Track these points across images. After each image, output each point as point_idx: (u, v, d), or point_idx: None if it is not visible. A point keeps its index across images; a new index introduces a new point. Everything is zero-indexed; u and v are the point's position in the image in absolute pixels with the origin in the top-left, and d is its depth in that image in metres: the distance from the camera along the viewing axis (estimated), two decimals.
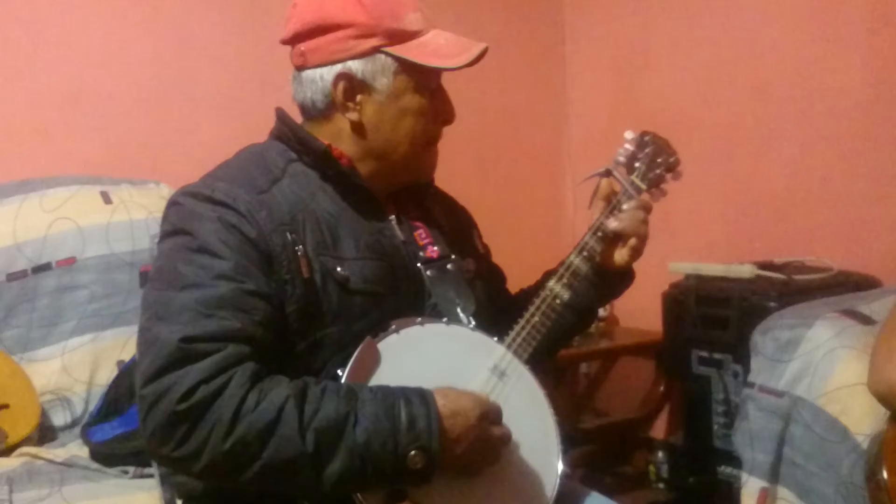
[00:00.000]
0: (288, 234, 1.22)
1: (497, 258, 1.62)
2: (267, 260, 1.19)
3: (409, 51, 1.28)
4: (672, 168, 1.50)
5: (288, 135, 1.34)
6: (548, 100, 3.52)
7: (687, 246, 2.97)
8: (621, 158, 1.49)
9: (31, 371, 2.04)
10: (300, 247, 1.22)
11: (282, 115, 1.37)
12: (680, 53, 3.09)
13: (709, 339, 2.50)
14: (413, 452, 1.10)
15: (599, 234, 1.41)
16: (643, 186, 1.47)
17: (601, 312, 3.18)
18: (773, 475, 1.87)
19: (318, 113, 1.34)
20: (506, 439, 1.22)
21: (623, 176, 1.47)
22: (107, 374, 2.10)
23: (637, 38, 3.25)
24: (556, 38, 3.52)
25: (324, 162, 1.31)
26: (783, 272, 2.50)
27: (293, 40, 1.32)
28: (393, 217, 1.37)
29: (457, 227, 1.50)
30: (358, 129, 1.32)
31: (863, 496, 1.50)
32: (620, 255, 1.43)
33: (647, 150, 1.49)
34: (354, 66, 1.28)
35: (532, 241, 3.17)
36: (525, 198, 3.41)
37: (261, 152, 1.34)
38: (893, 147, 2.49)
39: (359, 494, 1.13)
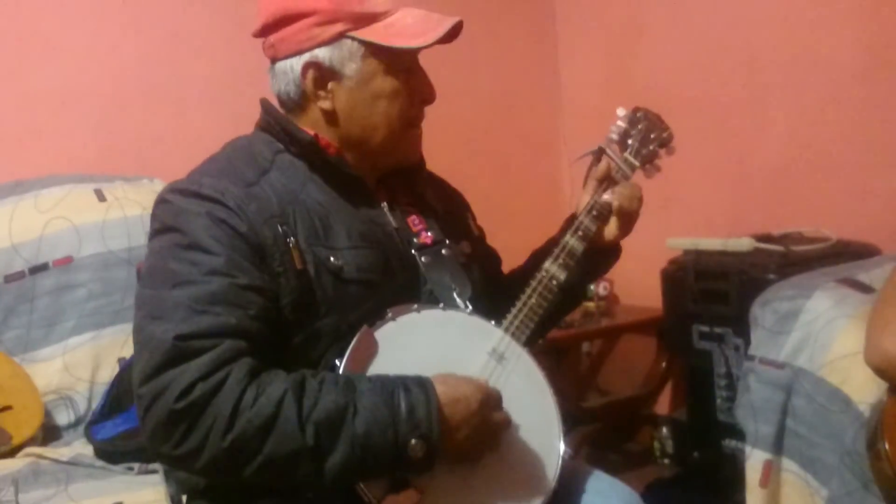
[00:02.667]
0: (279, 227, 1.21)
1: (494, 240, 1.61)
2: (259, 253, 1.19)
3: (374, 33, 1.26)
4: (665, 143, 1.50)
5: (274, 126, 1.33)
6: (541, 80, 3.50)
7: (684, 221, 2.97)
8: (614, 136, 1.48)
9: (32, 372, 2.04)
10: (292, 238, 1.21)
11: (267, 107, 1.36)
12: (672, 29, 3.08)
13: (709, 313, 2.50)
14: (413, 441, 1.10)
15: (594, 213, 1.41)
16: (636, 163, 1.47)
17: (601, 292, 3.19)
18: (777, 447, 1.87)
19: (293, 104, 1.33)
20: (506, 425, 1.22)
21: (616, 154, 1.47)
22: (108, 372, 2.10)
23: (628, 15, 3.24)
24: (547, 18, 3.50)
25: (311, 152, 1.30)
26: (781, 244, 2.50)
27: (263, 33, 1.32)
28: (385, 204, 1.36)
29: (450, 210, 1.49)
30: (332, 117, 1.30)
31: (865, 464, 1.51)
32: (610, 231, 1.43)
33: (639, 127, 1.49)
34: (321, 53, 1.27)
35: (529, 222, 3.14)
36: (521, 179, 3.40)
37: (247, 145, 1.33)
38: (888, 116, 2.49)
39: (362, 484, 1.13)
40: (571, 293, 1.49)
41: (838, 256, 2.34)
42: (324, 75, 1.28)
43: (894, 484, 1.36)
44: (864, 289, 1.85)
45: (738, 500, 2.01)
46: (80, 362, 2.10)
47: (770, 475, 1.87)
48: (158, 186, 2.35)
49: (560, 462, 1.28)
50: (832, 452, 1.72)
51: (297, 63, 1.29)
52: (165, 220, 1.22)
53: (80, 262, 2.15)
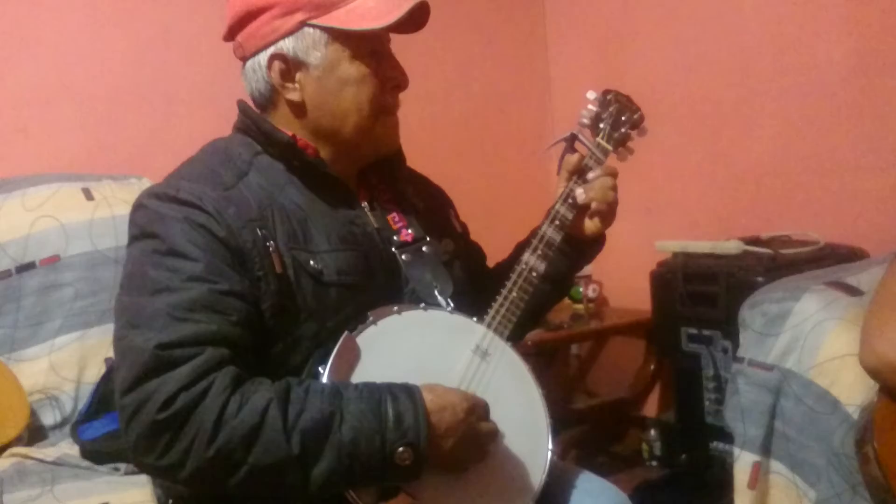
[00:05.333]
0: (258, 230, 1.19)
1: (483, 238, 1.61)
2: (238, 258, 1.17)
3: (335, 19, 1.25)
4: (637, 125, 1.48)
5: (251, 127, 1.32)
6: (531, 80, 3.51)
7: (673, 224, 2.98)
8: (585, 120, 1.47)
9: (18, 371, 2.02)
10: (271, 242, 1.20)
11: (244, 108, 1.35)
12: (662, 32, 3.09)
13: (697, 316, 2.51)
14: (401, 449, 1.10)
15: (570, 201, 1.40)
16: (609, 147, 1.45)
17: (590, 294, 3.19)
18: (765, 449, 1.87)
19: (266, 102, 1.32)
20: (493, 435, 1.21)
21: (589, 139, 1.45)
22: (95, 372, 2.08)
23: (618, 16, 3.24)
24: (537, 18, 3.51)
25: (289, 153, 1.29)
26: (770, 247, 2.51)
27: (230, 34, 1.32)
28: (365, 204, 1.35)
29: (432, 207, 1.48)
30: (300, 108, 1.29)
31: (854, 467, 1.51)
32: (592, 224, 1.42)
33: (610, 109, 1.47)
34: (285, 45, 1.26)
35: (518, 220, 3.15)
36: (510, 177, 3.40)
37: (225, 147, 1.31)
38: (876, 119, 2.50)
39: (352, 492, 1.12)
40: (556, 284, 1.48)
41: (826, 260, 2.35)
42: (289, 67, 1.27)
43: (882, 486, 1.36)
44: (853, 291, 1.85)
45: (726, 502, 2.01)
46: (67, 362, 2.08)
47: (758, 477, 1.87)
48: (147, 185, 2.33)
49: (549, 457, 1.28)
50: (820, 454, 1.73)
51: (263, 58, 1.28)
52: (143, 226, 1.20)
53: (67, 261, 2.14)
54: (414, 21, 1.29)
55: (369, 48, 1.29)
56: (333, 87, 1.28)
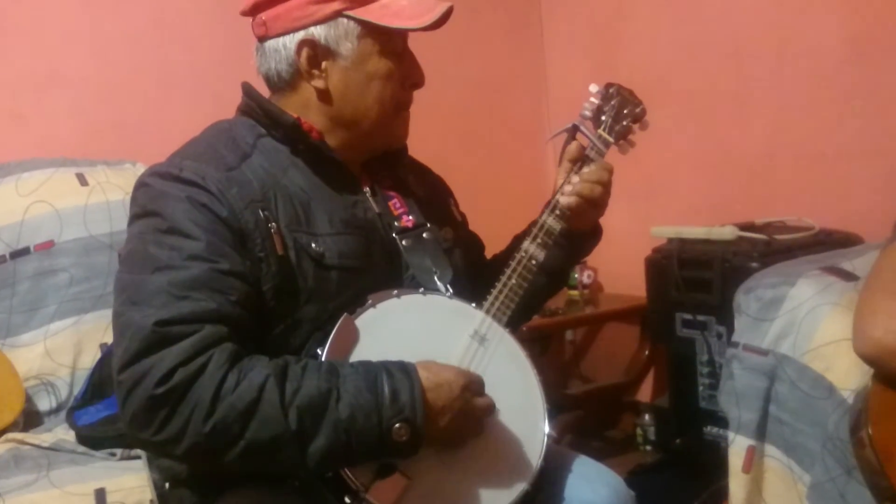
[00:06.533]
0: (260, 212, 1.20)
1: (479, 227, 1.61)
2: (240, 238, 1.17)
3: (371, 13, 1.26)
4: (639, 118, 1.49)
5: (256, 109, 1.32)
6: (526, 67, 3.49)
7: (668, 210, 2.98)
8: (587, 112, 1.47)
9: (13, 357, 2.02)
10: (273, 224, 1.20)
11: (248, 90, 1.35)
12: (657, 18, 3.08)
13: (692, 301, 2.51)
14: (398, 425, 1.10)
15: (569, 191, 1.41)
16: (611, 139, 1.46)
17: (585, 280, 3.19)
18: (760, 433, 1.88)
19: (283, 84, 1.32)
20: (490, 410, 1.22)
21: (590, 130, 1.46)
22: (90, 358, 2.08)
23: (614, 4, 3.24)
24: (532, 6, 3.49)
25: (294, 136, 1.29)
26: (764, 233, 2.51)
27: (253, 10, 1.30)
28: (367, 189, 1.36)
29: (432, 195, 1.49)
30: (325, 96, 1.29)
31: (849, 451, 1.51)
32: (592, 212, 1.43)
33: (612, 103, 1.48)
34: (317, 31, 1.26)
35: (513, 209, 3.14)
36: (506, 166, 3.40)
37: (228, 129, 1.32)
38: (870, 105, 2.50)
39: (347, 470, 1.13)
40: (554, 276, 1.49)
41: (820, 245, 2.35)
42: (318, 54, 1.27)
43: (877, 470, 1.36)
44: (848, 276, 1.85)
45: (720, 486, 2.02)
46: (62, 348, 2.08)
47: (753, 461, 1.88)
48: (141, 171, 2.30)
49: (545, 441, 1.28)
50: (815, 439, 1.73)
51: (290, 41, 1.27)
52: (145, 204, 1.20)
53: (62, 246, 2.13)
54: (438, 20, 1.29)
55: (397, 46, 1.30)
56: (360, 80, 1.29)
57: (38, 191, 2.16)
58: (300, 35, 1.27)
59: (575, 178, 1.40)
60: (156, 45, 2.64)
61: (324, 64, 1.28)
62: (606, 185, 1.41)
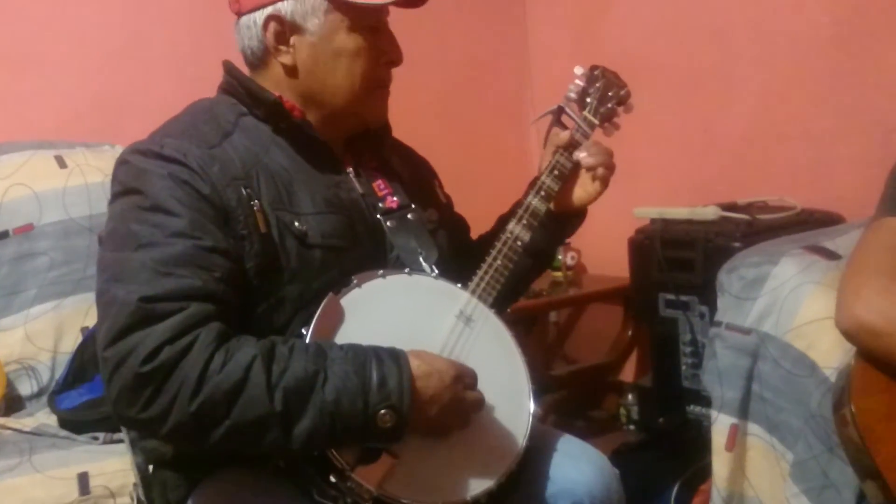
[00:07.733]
0: (242, 189, 1.19)
1: (463, 208, 1.61)
2: (223, 215, 1.17)
3: None
4: (623, 101, 1.50)
5: (237, 88, 1.31)
6: (509, 48, 3.48)
7: (651, 191, 2.98)
8: (572, 94, 1.48)
9: None
10: (256, 202, 1.19)
11: (229, 68, 1.34)
12: None
13: (675, 281, 2.52)
14: (383, 411, 1.10)
15: (556, 173, 1.41)
16: (596, 121, 1.47)
17: (569, 261, 3.19)
18: (743, 411, 1.89)
19: (256, 60, 1.31)
20: (479, 405, 1.22)
21: (575, 112, 1.47)
22: (71, 342, 2.07)
23: None
24: None
25: (275, 114, 1.28)
26: (747, 213, 2.51)
27: None
28: (350, 169, 1.35)
29: (416, 177, 1.48)
30: (293, 73, 1.28)
31: (831, 429, 1.52)
32: (592, 188, 1.44)
33: (597, 85, 1.49)
34: (284, 7, 1.25)
35: (497, 190, 3.13)
36: (489, 147, 3.39)
37: (210, 107, 1.31)
38: (852, 85, 2.50)
39: (333, 451, 1.12)
40: (538, 257, 1.49)
41: (803, 225, 2.36)
42: (285, 29, 1.26)
43: (859, 447, 1.37)
44: (831, 255, 1.86)
45: (704, 464, 2.03)
46: (43, 332, 2.07)
47: (736, 439, 1.89)
48: (120, 152, 2.30)
49: (531, 421, 1.28)
50: (798, 417, 1.74)
51: (259, 16, 1.26)
52: (126, 182, 1.19)
53: (41, 229, 2.11)
54: None
55: (368, 22, 1.28)
56: (328, 55, 1.27)
57: (17, 174, 2.14)
58: (268, 10, 1.26)
59: (581, 154, 1.42)
60: (133, 24, 2.60)
61: (291, 39, 1.26)
62: (611, 167, 1.44)
